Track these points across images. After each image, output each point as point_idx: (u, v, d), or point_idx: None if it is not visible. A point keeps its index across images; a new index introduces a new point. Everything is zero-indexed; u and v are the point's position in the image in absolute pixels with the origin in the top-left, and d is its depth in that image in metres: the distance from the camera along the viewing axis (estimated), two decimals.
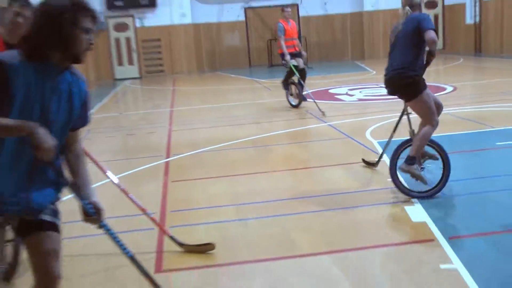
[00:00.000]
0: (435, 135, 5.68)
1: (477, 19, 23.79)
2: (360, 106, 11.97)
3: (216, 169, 7.17)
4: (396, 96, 5.79)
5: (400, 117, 6.18)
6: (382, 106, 11.13)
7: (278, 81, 17.95)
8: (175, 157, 7.92)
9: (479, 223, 4.72)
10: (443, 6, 25.77)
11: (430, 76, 18.07)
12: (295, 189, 6.11)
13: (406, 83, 5.46)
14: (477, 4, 23.62)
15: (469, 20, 24.95)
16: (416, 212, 5.08)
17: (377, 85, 14.60)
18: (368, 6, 24.98)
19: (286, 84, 11.95)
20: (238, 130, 9.80)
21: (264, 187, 6.27)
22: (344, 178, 6.47)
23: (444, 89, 13.56)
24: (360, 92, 14.02)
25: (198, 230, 4.99)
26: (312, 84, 15.86)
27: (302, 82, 11.61)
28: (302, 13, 25.35)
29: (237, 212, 5.43)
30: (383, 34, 25.15)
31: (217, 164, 7.48)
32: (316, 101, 11.20)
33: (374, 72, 18.19)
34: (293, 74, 11.49)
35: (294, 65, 11.46)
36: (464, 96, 12.48)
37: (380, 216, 5.10)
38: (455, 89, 13.43)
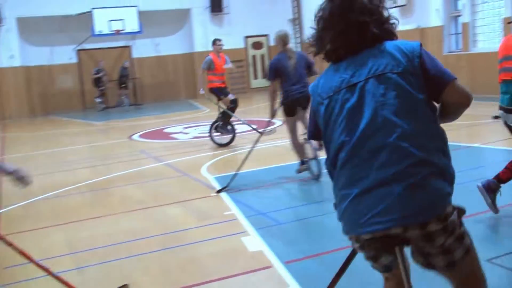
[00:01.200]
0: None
1: None
2: (195, 143, 12.09)
3: (52, 217, 6.80)
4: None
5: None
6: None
7: (113, 122, 17.66)
8: (6, 209, 7.37)
9: (310, 246, 4.94)
10: (269, 47, 27.10)
11: (261, 112, 18.78)
12: (135, 230, 5.97)
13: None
14: (299, 44, 25.14)
15: None
16: (253, 242, 5.20)
17: (210, 122, 14.84)
18: (199, 47, 25.53)
19: (225, 126, 11.33)
20: (74, 175, 9.41)
21: (103, 231, 6.05)
22: (182, 215, 6.46)
23: (274, 123, 14.11)
24: (195, 129, 14.18)
25: (32, 286, 4.66)
26: (147, 124, 15.80)
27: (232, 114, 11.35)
28: (135, 54, 25.24)
29: (74, 261, 5.16)
30: None
31: (52, 212, 7.09)
32: (250, 125, 11.23)
33: (208, 110, 18.51)
34: (229, 116, 11.26)
35: (232, 99, 11.31)
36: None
37: (219, 250, 5.14)
38: (284, 122, 14.04)
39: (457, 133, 10.42)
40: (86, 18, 22.41)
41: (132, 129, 15.24)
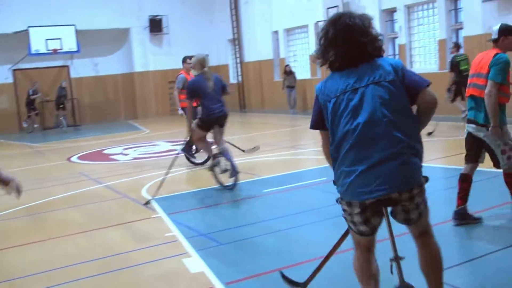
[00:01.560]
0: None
1: (240, 78, 25.53)
2: (136, 164, 11.99)
3: None
4: None
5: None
6: (157, 163, 11.29)
7: (51, 144, 17.30)
8: None
9: (251, 266, 5.00)
10: (208, 67, 27.24)
11: None
12: (73, 255, 5.87)
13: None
14: (239, 65, 25.38)
15: (232, 79, 26.67)
16: (194, 263, 5.21)
17: (150, 143, 14.81)
18: (138, 67, 25.39)
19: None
20: (9, 199, 9.14)
21: (40, 257, 5.92)
22: (122, 237, 6.40)
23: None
24: (134, 151, 14.06)
25: None
26: (86, 145, 15.56)
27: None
28: (73, 74, 24.87)
29: None
30: (154, 94, 25.73)
31: None
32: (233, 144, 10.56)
33: (148, 130, 18.41)
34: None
35: None
36: (232, 149, 13.15)
37: (160, 272, 5.12)
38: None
39: None
40: (22, 36, 21.98)
41: (70, 151, 14.97)
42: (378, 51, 3.23)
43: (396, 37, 17.69)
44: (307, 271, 4.83)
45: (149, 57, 25.58)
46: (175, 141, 15.34)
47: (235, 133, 16.68)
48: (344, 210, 3.32)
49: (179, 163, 11.41)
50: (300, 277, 4.22)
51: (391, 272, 3.30)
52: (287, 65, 21.46)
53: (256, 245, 5.66)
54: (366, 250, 3.47)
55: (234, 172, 8.26)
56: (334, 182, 3.30)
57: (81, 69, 24.97)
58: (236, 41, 25.19)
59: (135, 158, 12.87)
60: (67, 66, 24.73)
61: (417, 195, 3.19)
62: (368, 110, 3.08)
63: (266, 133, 15.66)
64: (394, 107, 3.09)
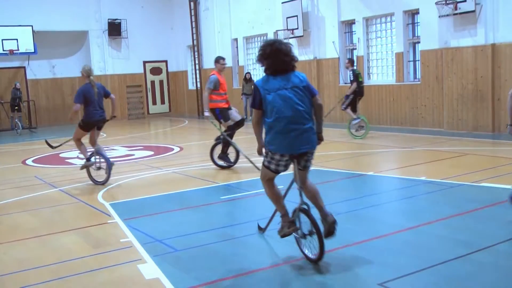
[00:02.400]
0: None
1: (198, 85, 25.48)
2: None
3: None
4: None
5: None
6: (114, 168, 11.15)
7: (6, 146, 16.89)
8: None
9: (206, 273, 4.99)
10: (167, 72, 27.09)
11: (159, 138, 18.71)
12: (25, 260, 5.75)
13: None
14: (198, 71, 25.33)
15: (191, 86, 26.61)
16: (149, 269, 5.18)
17: (108, 147, 14.61)
18: (96, 71, 25.08)
19: (225, 153, 10.73)
20: None
21: None
22: (77, 243, 6.30)
23: (172, 149, 14.16)
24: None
25: None
26: (41, 149, 15.25)
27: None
28: (29, 76, 24.40)
29: None
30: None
31: None
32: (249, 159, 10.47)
33: (105, 135, 18.17)
34: (231, 138, 10.66)
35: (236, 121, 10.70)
36: (191, 155, 13.17)
37: (114, 278, 5.07)
38: (181, 149, 14.11)
39: (351, 162, 10.90)
40: None
41: (25, 154, 14.67)
42: (294, 67, 5.23)
43: (354, 49, 17.96)
44: (262, 278, 4.86)
45: (108, 61, 25.32)
46: (133, 146, 15.20)
47: (193, 139, 16.66)
48: (272, 159, 5.23)
49: (138, 168, 11.33)
50: (253, 286, 4.22)
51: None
52: (248, 73, 21.52)
53: (212, 252, 5.66)
54: (273, 182, 5.46)
55: (108, 168, 9.63)
56: (268, 143, 5.20)
57: (38, 70, 24.54)
58: (196, 48, 25.15)
59: None
60: (23, 67, 24.25)
61: (312, 153, 5.23)
62: (293, 102, 5.06)
63: None
64: (305, 102, 5.12)
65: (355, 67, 14.83)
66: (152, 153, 13.82)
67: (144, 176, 10.48)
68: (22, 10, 22.75)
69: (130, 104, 26.12)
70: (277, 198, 5.43)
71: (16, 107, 21.73)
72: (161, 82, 27.12)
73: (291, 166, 5.25)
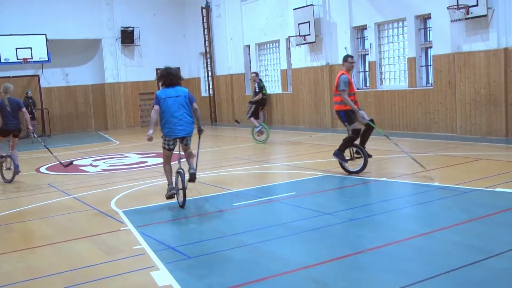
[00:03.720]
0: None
1: (211, 91, 25.54)
2: (105, 176, 11.88)
3: None
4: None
5: None
6: (127, 176, 11.20)
7: (20, 154, 17.00)
8: None
9: (219, 280, 4.99)
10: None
11: None
12: (38, 268, 5.78)
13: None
14: (210, 78, 25.40)
15: (204, 93, 26.67)
16: (162, 276, 5.18)
17: (121, 154, 14.68)
18: (109, 78, 25.25)
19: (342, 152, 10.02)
20: None
21: (4, 270, 5.80)
22: (90, 250, 6.32)
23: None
24: (104, 162, 13.94)
25: None
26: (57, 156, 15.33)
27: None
28: (43, 84, 24.61)
29: None
30: (125, 105, 25.61)
31: None
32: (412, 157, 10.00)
33: (118, 142, 18.25)
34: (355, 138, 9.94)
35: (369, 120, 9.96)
36: (203, 162, 13.17)
37: (127, 285, 5.08)
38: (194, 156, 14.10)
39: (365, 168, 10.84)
40: None
41: (39, 162, 14.77)
42: (180, 83, 8.28)
43: (367, 54, 17.93)
44: (275, 286, 4.85)
45: (121, 68, 25.48)
46: (145, 153, 15.25)
47: (206, 146, 16.68)
48: (166, 141, 8.21)
49: (151, 175, 11.36)
50: None
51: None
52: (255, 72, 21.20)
53: (224, 259, 5.65)
54: (168, 158, 8.42)
55: (15, 171, 11.56)
56: (162, 130, 8.16)
57: (51, 79, 24.75)
58: (208, 55, 25.23)
59: (104, 170, 12.76)
60: (37, 76, 24.47)
61: (191, 137, 8.21)
62: (178, 106, 8.05)
63: (237, 147, 15.68)
64: (186, 106, 8.10)
65: (260, 80, 16.72)
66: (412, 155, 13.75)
67: (157, 183, 10.50)
68: (36, 19, 22.97)
69: (143, 111, 26.23)
70: (168, 171, 8.49)
71: (30, 116, 21.91)
72: None
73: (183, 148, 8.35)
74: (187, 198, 8.20)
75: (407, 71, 16.51)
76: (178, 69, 8.40)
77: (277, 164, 12.15)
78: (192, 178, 8.21)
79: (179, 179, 8.12)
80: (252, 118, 16.25)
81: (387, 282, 4.66)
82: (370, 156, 9.93)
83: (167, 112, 8.03)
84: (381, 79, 17.56)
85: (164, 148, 8.25)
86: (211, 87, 25.54)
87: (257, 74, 16.98)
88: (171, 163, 8.57)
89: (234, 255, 5.75)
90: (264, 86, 16.66)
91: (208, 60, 25.26)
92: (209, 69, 25.31)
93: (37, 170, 13.33)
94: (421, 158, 11.45)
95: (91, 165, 13.72)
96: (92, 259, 5.95)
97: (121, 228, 7.13)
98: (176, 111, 8.02)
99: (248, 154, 13.77)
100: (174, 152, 8.38)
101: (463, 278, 4.67)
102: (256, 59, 23.11)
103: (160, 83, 8.37)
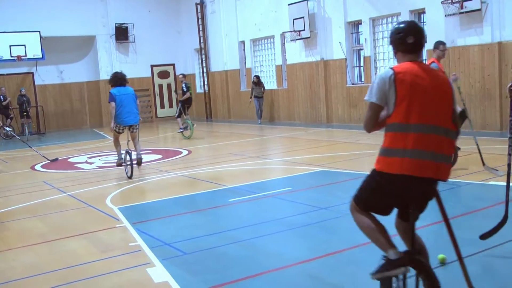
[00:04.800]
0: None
1: (206, 88, 25.51)
2: (100, 173, 11.86)
3: None
4: None
5: None
6: (122, 173, 11.18)
7: (14, 152, 16.98)
8: None
9: (214, 276, 4.99)
10: (175, 76, 27.10)
11: (167, 141, 18.73)
12: (33, 266, 5.77)
13: None
14: (205, 74, 25.36)
15: (199, 89, 26.63)
16: (158, 273, 5.18)
17: (116, 152, 14.60)
18: (104, 75, 25.17)
19: None
20: None
21: (0, 267, 5.78)
22: (85, 247, 6.31)
23: (180, 152, 14.18)
24: (99, 159, 13.91)
25: None
26: (50, 154, 15.31)
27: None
28: (38, 81, 24.51)
29: None
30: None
31: None
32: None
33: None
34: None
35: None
36: (199, 158, 13.18)
37: (123, 282, 5.07)
38: (189, 152, 14.12)
39: (358, 162, 10.86)
40: None
41: (34, 159, 14.73)
42: (126, 83, 10.85)
43: (361, 49, 17.93)
44: (270, 281, 4.85)
45: (115, 65, 25.35)
46: (141, 150, 15.20)
47: (201, 142, 16.67)
48: (118, 127, 10.62)
49: (147, 171, 11.35)
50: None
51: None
52: (256, 76, 21.28)
53: (221, 255, 5.65)
54: (118, 138, 10.99)
55: None
56: (115, 120, 10.56)
57: (46, 76, 24.65)
58: (203, 51, 25.19)
59: (100, 167, 12.74)
60: (31, 73, 24.38)
61: (138, 125, 10.81)
62: (129, 102, 10.57)
63: (232, 143, 15.68)
64: (133, 102, 10.63)
65: (186, 81, 18.72)
66: (160, 156, 13.84)
67: (153, 179, 10.50)
68: (30, 16, 22.86)
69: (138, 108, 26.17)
70: (117, 145, 11.16)
71: (25, 113, 21.87)
72: (169, 85, 27.16)
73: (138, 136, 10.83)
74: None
75: None
76: (124, 74, 11.00)
77: (272, 160, 12.16)
78: (139, 162, 10.94)
79: (127, 157, 10.71)
80: (178, 119, 18.05)
81: None
82: (459, 148, 9.23)
83: (120, 106, 10.49)
84: (375, 74, 17.55)
85: (115, 131, 10.79)
86: (206, 83, 25.50)
87: (184, 75, 19.14)
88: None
89: (230, 251, 5.76)
90: (190, 86, 18.60)
91: (203, 56, 25.21)
92: (204, 65, 25.26)
93: (32, 168, 13.29)
94: None
95: (86, 162, 13.69)
96: (87, 256, 5.94)
97: (117, 225, 7.13)
98: (126, 105, 10.55)
99: (243, 150, 13.76)
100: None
101: (459, 272, 4.68)
102: (251, 55, 23.08)
103: (111, 84, 10.85)
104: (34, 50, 22.52)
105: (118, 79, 10.78)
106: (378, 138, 12.60)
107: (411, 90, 3.51)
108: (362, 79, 18.15)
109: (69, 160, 14.23)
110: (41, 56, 22.79)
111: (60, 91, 25.19)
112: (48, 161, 13.78)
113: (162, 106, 27.16)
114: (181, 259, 5.60)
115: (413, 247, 3.69)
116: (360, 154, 11.78)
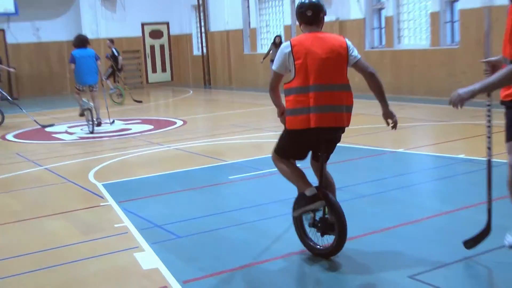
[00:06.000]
0: None
1: (204, 50, 25.38)
2: (82, 145, 11.87)
3: None
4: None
5: None
6: (107, 144, 11.18)
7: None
8: None
9: (212, 263, 4.98)
10: (169, 36, 26.96)
11: (159, 110, 18.70)
12: (6, 247, 5.78)
13: None
14: (203, 35, 25.20)
15: (196, 51, 26.51)
16: (147, 258, 5.17)
17: (100, 120, 14.59)
18: (88, 34, 24.97)
19: None
20: None
21: None
22: (65, 228, 6.32)
23: (174, 123, 14.16)
24: (81, 129, 13.91)
25: None
26: (24, 122, 15.31)
27: None
28: (10, 40, 24.40)
29: None
30: (105, 64, 25.45)
31: None
32: None
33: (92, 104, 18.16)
34: None
35: None
36: (195, 129, 13.16)
37: (107, 268, 5.08)
38: (185, 122, 14.10)
39: (379, 137, 10.83)
40: None
41: (5, 128, 14.72)
42: (88, 45, 13.63)
43: (383, 8, 17.77)
44: (275, 269, 4.84)
45: (101, 23, 25.25)
46: (130, 120, 15.21)
47: (199, 112, 16.65)
48: (79, 86, 13.34)
49: (136, 144, 11.34)
50: (265, 278, 4.18)
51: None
52: (278, 36, 20.85)
53: (219, 239, 5.64)
54: (79, 94, 13.52)
55: None
56: (76, 82, 13.49)
57: (19, 34, 24.50)
58: (201, 8, 25.00)
59: (81, 138, 12.74)
60: (2, 31, 24.25)
61: (96, 84, 13.52)
62: (89, 63, 13.21)
63: (234, 113, 15.63)
64: (93, 61, 13.33)
65: (114, 46, 20.29)
66: (151, 127, 13.83)
67: (142, 153, 10.49)
68: None
69: (127, 72, 26.07)
70: (79, 98, 13.41)
71: None
72: (162, 47, 27.04)
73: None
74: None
75: (429, 28, 16.36)
76: (86, 36, 13.87)
77: (279, 132, 12.10)
78: (99, 123, 13.57)
79: (90, 114, 13.08)
80: (108, 81, 19.13)
81: (403, 267, 4.64)
82: None
83: (79, 66, 13.03)
84: (399, 37, 17.42)
85: (77, 89, 13.39)
86: (204, 44, 25.37)
87: (112, 41, 20.48)
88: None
89: (230, 234, 5.75)
90: (119, 51, 20.41)
91: (201, 14, 25.04)
92: (203, 24, 25.10)
93: (3, 137, 13.30)
94: (444, 128, 11.41)
95: (66, 132, 13.70)
96: (67, 238, 5.94)
97: (101, 204, 7.14)
98: (86, 66, 13.07)
99: (246, 121, 13.73)
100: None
101: (490, 263, 4.66)
102: (256, 13, 22.91)
103: (74, 46, 13.37)
104: (5, 3, 22.39)
105: (80, 41, 13.43)
106: (400, 111, 12.52)
107: (305, 59, 4.69)
108: (383, 43, 18.02)
109: (47, 129, 14.22)
110: (14, 11, 22.66)
111: (36, 51, 25.07)
112: (37, 127, 13.79)
113: (154, 70, 27.09)
114: (174, 243, 5.60)
115: (320, 183, 4.95)
116: (379, 128, 11.72)
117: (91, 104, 13.44)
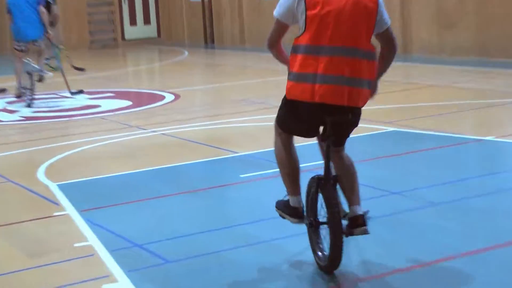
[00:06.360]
0: None
1: None
2: (29, 128, 11.93)
3: None
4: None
5: None
6: (64, 128, 11.20)
7: None
8: None
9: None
10: None
11: (141, 79, 18.72)
12: None
13: None
14: None
15: None
16: None
17: (55, 94, 14.67)
18: None
19: None
20: None
21: None
22: (5, 248, 6.33)
23: (162, 97, 14.15)
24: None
25: None
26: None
27: None
28: None
29: None
30: (65, 17, 25.59)
31: None
32: None
33: (51, 73, 18.23)
34: None
35: None
36: (192, 107, 13.15)
37: None
38: (177, 97, 14.09)
39: (455, 117, 10.74)
40: None
41: None
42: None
43: None
44: None
45: None
46: (98, 93, 15.23)
47: (198, 82, 16.67)
48: (19, 47, 13.95)
49: (106, 127, 11.34)
50: None
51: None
52: None
53: (224, 264, 5.63)
54: (20, 58, 13.98)
55: None
56: (15, 40, 14.29)
57: None
58: None
59: (27, 118, 12.79)
60: None
61: (39, 39, 14.18)
62: (28, 10, 13.48)
63: (245, 84, 15.62)
64: (33, 9, 13.59)
65: None
66: (129, 103, 13.87)
67: (115, 140, 10.49)
68: None
69: (94, 24, 26.24)
70: (19, 71, 13.70)
71: None
72: None
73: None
74: None
75: None
76: None
77: None
78: (41, 79, 14.33)
79: (29, 80, 13.51)
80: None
81: None
82: None
83: (16, 16, 13.52)
84: None
85: (16, 49, 13.76)
86: None
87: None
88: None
89: (239, 258, 5.74)
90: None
91: None
92: None
93: None
94: None
95: (5, 110, 13.74)
96: (8, 262, 5.96)
97: (55, 213, 7.15)
98: (25, 15, 13.43)
99: (262, 95, 13.73)
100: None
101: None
102: None
103: None
104: None
105: None
106: (487, 81, 12.52)
107: (322, 9, 4.74)
108: None
109: None
110: None
111: None
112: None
113: (133, 22, 27.17)
114: (160, 270, 5.60)
115: (326, 173, 5.13)
116: (458, 105, 11.67)
117: (36, 66, 13.73)
